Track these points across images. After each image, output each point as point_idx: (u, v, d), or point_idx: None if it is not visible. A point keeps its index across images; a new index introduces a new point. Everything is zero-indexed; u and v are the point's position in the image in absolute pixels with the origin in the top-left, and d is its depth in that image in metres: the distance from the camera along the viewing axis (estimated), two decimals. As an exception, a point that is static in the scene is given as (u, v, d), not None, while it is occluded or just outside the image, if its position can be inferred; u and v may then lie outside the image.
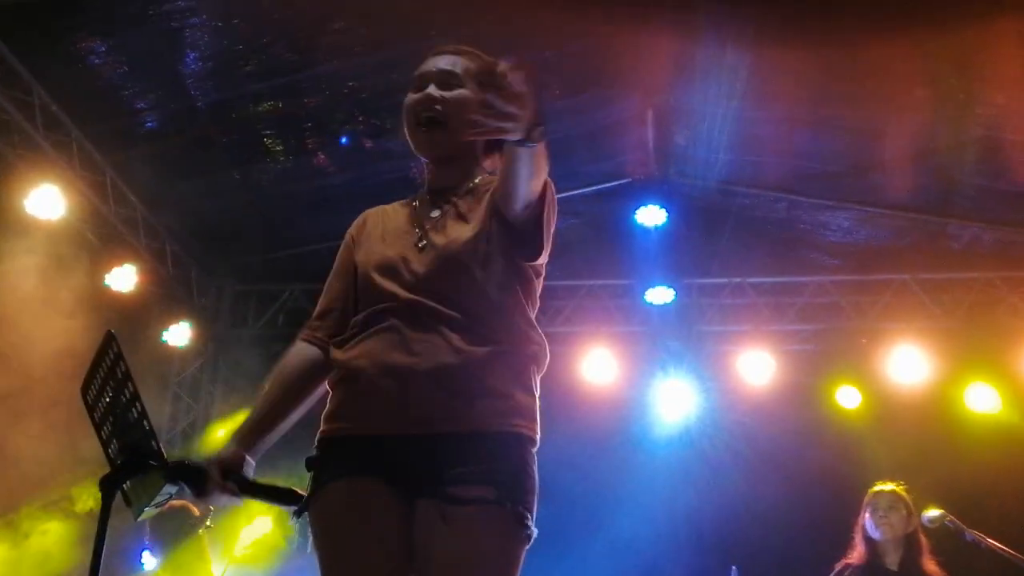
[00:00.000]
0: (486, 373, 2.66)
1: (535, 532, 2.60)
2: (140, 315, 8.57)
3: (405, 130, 3.04)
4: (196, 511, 6.70)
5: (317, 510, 2.68)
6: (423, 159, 3.06)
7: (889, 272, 9.34)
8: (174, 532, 6.54)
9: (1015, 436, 8.74)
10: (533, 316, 2.90)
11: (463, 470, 2.54)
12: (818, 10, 6.60)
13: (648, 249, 8.88)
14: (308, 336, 3.02)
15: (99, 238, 8.23)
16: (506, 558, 2.55)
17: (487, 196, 2.88)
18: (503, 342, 2.73)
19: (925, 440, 8.46)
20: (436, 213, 2.92)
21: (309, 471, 2.77)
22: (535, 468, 2.68)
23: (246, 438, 2.93)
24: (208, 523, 6.42)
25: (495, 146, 3.05)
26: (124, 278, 8.30)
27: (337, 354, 2.84)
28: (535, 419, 2.74)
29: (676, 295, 9.38)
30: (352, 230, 3.10)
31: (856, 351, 9.25)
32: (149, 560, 7.58)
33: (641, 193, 8.83)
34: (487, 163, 3.09)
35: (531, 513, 2.59)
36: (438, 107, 2.92)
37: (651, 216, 8.82)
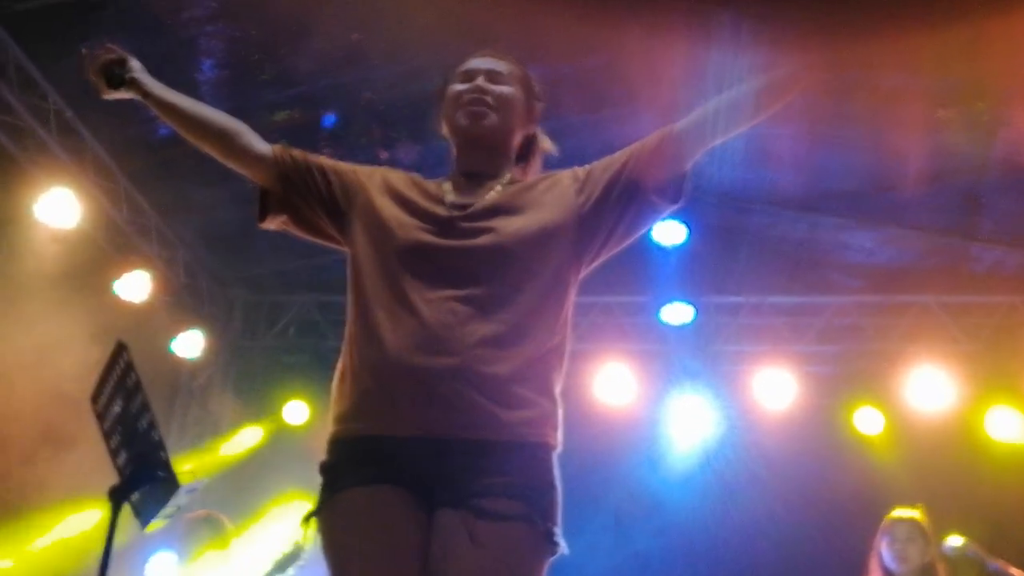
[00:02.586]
0: (521, 379, 2.60)
1: (564, 546, 2.53)
2: (151, 324, 8.54)
3: (443, 119, 3.04)
4: (224, 519, 6.70)
5: (330, 519, 2.59)
6: (456, 143, 3.02)
7: (911, 294, 9.26)
8: (202, 541, 6.53)
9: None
10: (567, 324, 2.82)
11: (492, 481, 2.48)
12: (835, 27, 6.54)
13: (665, 266, 8.81)
14: (277, 147, 3.10)
15: (111, 245, 8.22)
16: (533, 574, 2.50)
17: (554, 193, 2.85)
18: (539, 347, 2.66)
19: (946, 466, 8.35)
20: (474, 199, 2.86)
21: (322, 476, 2.67)
22: (558, 478, 2.62)
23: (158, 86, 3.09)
24: (291, 572, 6.39)
25: (528, 152, 3.11)
26: (136, 286, 8.27)
27: (357, 342, 2.73)
28: (558, 428, 2.68)
29: (695, 313, 9.31)
30: (362, 169, 3.04)
31: (877, 373, 9.15)
32: (153, 570, 7.54)
33: (661, 209, 8.78)
34: (516, 170, 3.06)
35: (558, 527, 2.54)
36: (488, 98, 2.94)
37: (669, 233, 8.75)
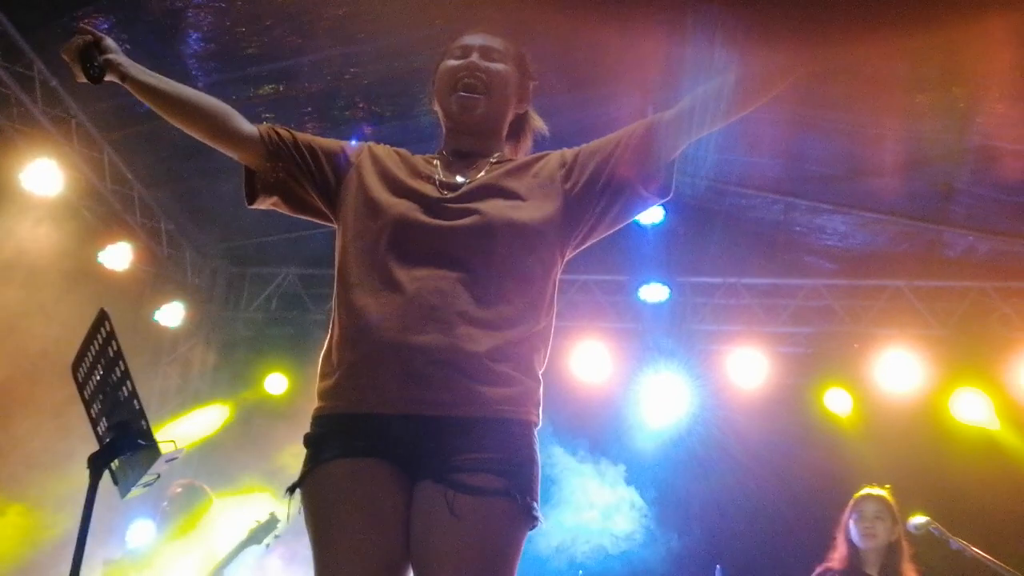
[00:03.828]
0: (504, 358, 2.63)
1: (542, 518, 2.59)
2: (133, 293, 8.57)
3: (435, 95, 3.04)
4: (205, 488, 6.73)
5: (314, 490, 2.62)
6: (446, 125, 3.03)
7: (883, 278, 9.35)
8: (183, 510, 6.57)
9: (1003, 446, 8.76)
10: (553, 305, 2.87)
11: (474, 457, 2.51)
12: (814, 12, 6.59)
13: (643, 246, 8.86)
14: (263, 127, 3.02)
15: (95, 215, 8.23)
16: (512, 548, 2.54)
17: (542, 177, 2.87)
18: (524, 327, 2.70)
19: (913, 447, 8.47)
20: (464, 175, 2.88)
21: (306, 448, 2.71)
22: (539, 454, 2.67)
23: (136, 68, 2.94)
24: (267, 541, 6.41)
25: (519, 130, 3.12)
26: (118, 256, 8.29)
27: (343, 317, 2.74)
28: (539, 404, 2.72)
29: (670, 293, 9.38)
30: (350, 146, 3.04)
31: (848, 355, 9.25)
32: (133, 537, 7.59)
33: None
34: (507, 148, 3.09)
35: (537, 501, 2.59)
36: (480, 75, 2.93)
37: (647, 213, 8.81)
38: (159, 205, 8.97)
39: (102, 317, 3.39)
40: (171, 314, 9.20)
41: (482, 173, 2.87)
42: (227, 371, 9.60)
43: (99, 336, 3.40)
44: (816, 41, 6.62)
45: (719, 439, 8.99)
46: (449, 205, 2.76)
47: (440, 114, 3.05)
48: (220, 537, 6.87)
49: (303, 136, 3.00)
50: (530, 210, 2.79)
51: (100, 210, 8.28)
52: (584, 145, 2.97)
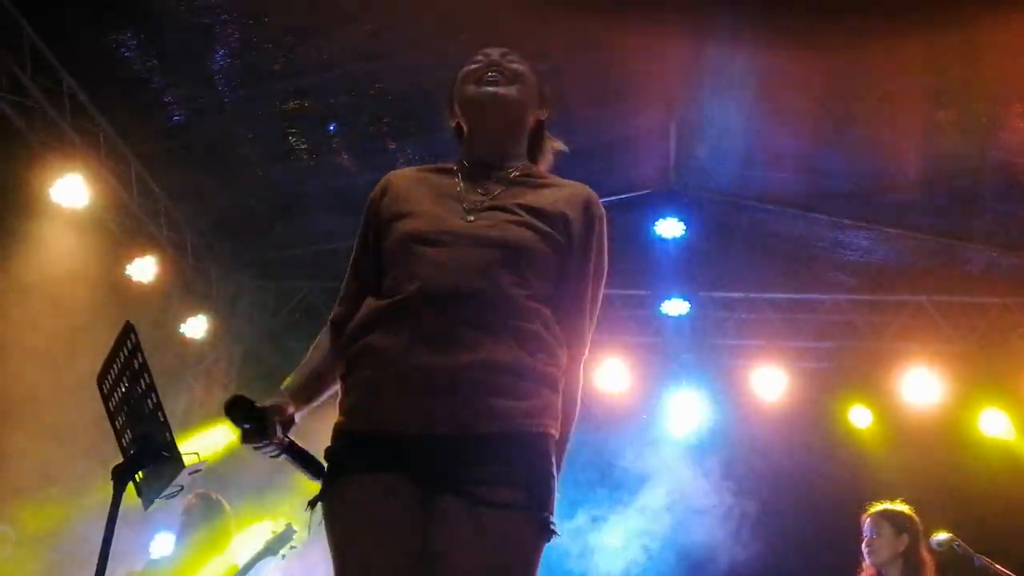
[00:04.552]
0: (522, 372, 2.62)
1: (558, 532, 2.58)
2: (158, 306, 8.62)
3: (454, 103, 3.00)
4: (220, 499, 6.76)
5: (335, 502, 2.62)
6: (467, 122, 2.99)
7: (905, 293, 9.34)
8: (201, 520, 6.59)
9: (1025, 461, 8.75)
10: None
11: (491, 470, 2.51)
12: (835, 28, 6.62)
13: (665, 261, 8.89)
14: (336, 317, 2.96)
15: (122, 228, 8.29)
16: (530, 562, 2.54)
17: (560, 202, 2.83)
18: (542, 343, 2.70)
19: (935, 462, 8.46)
20: (485, 190, 2.85)
21: (327, 462, 2.71)
22: (555, 467, 2.66)
23: (297, 397, 2.85)
24: (283, 552, 6.44)
25: (538, 142, 3.07)
26: (144, 269, 8.35)
27: (362, 333, 2.74)
28: (558, 417, 2.70)
29: (691, 307, 9.39)
30: (375, 195, 2.98)
31: (869, 370, 9.24)
32: (157, 548, 7.64)
33: (660, 205, 8.85)
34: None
35: (553, 515, 2.57)
36: (504, 70, 2.90)
37: (669, 228, 8.84)
38: (185, 218, 9.04)
39: (128, 330, 3.42)
40: (196, 327, 9.26)
41: (504, 187, 2.84)
42: (251, 384, 9.64)
43: (125, 348, 3.43)
44: (834, 49, 6.68)
45: (740, 453, 8.99)
46: (470, 222, 2.74)
47: (461, 114, 2.99)
48: (237, 548, 6.91)
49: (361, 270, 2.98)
50: (541, 223, 2.77)
51: (127, 223, 8.35)
52: (594, 224, 2.90)
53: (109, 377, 3.57)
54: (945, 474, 8.27)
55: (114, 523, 3.35)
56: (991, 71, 6.91)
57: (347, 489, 2.60)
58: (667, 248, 8.92)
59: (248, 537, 6.96)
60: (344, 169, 8.42)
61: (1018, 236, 8.44)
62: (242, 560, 6.44)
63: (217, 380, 9.73)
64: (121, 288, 8.06)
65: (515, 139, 2.97)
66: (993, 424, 8.90)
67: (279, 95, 7.67)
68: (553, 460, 2.64)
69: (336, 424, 2.72)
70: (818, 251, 9.20)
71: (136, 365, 3.39)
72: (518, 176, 2.88)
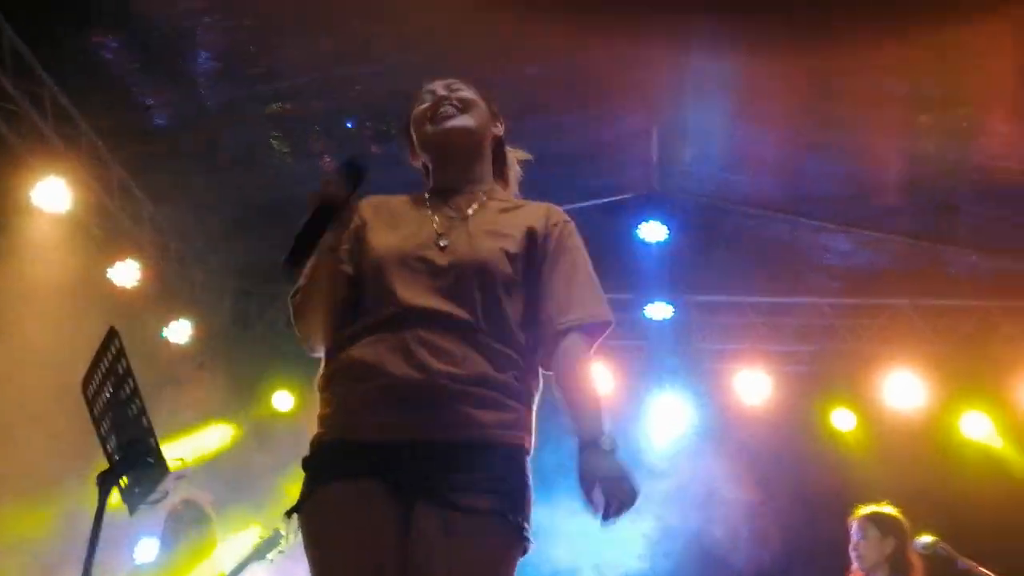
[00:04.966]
0: (498, 384, 2.70)
1: (533, 543, 2.64)
2: (141, 311, 8.56)
3: (413, 141, 3.09)
4: (204, 505, 6.73)
5: (312, 511, 2.67)
6: (429, 158, 3.08)
7: (887, 296, 9.39)
8: (186, 526, 6.57)
9: (1007, 464, 8.79)
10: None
11: (467, 477, 2.57)
12: (816, 32, 6.65)
13: (648, 264, 8.90)
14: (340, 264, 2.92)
15: (104, 232, 8.24)
16: (505, 568, 2.60)
17: (523, 223, 2.91)
18: (518, 355, 2.78)
19: (918, 465, 8.49)
20: (456, 214, 2.93)
21: (305, 471, 2.76)
22: (531, 479, 2.72)
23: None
24: (271, 557, 6.43)
25: (501, 159, 3.17)
26: (127, 273, 8.31)
27: (340, 351, 2.80)
28: (532, 432, 2.78)
29: (675, 311, 9.41)
30: (360, 212, 3.01)
31: (851, 373, 9.28)
32: (141, 554, 7.61)
33: (642, 208, 8.86)
34: (498, 184, 3.15)
35: (529, 524, 2.64)
36: (453, 102, 3.01)
37: (652, 232, 8.85)
38: (168, 222, 9.01)
39: (112, 335, 3.43)
40: (178, 331, 9.22)
41: (472, 209, 2.93)
42: (235, 388, 9.62)
43: (109, 354, 3.44)
44: (815, 53, 6.71)
45: (723, 457, 9.00)
46: (442, 247, 2.82)
47: (421, 151, 3.10)
48: (225, 554, 6.89)
49: (343, 249, 2.94)
50: (506, 243, 2.85)
51: (109, 227, 8.30)
52: (556, 231, 2.97)
53: (93, 382, 3.58)
54: (928, 477, 8.29)
55: (99, 529, 3.36)
56: (971, 75, 6.96)
57: (324, 498, 2.65)
58: (650, 252, 8.92)
59: (236, 543, 6.95)
60: (327, 173, 8.40)
61: (999, 239, 8.49)
62: (229, 566, 6.43)
63: (201, 385, 9.69)
64: (104, 292, 8.02)
65: (479, 163, 3.07)
66: (975, 427, 8.96)
67: (261, 98, 7.67)
68: (527, 472, 2.72)
69: (313, 437, 2.79)
70: (800, 255, 9.24)
71: (120, 370, 3.40)
72: (485, 200, 2.98)
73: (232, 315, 10.11)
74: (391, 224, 2.94)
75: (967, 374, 8.93)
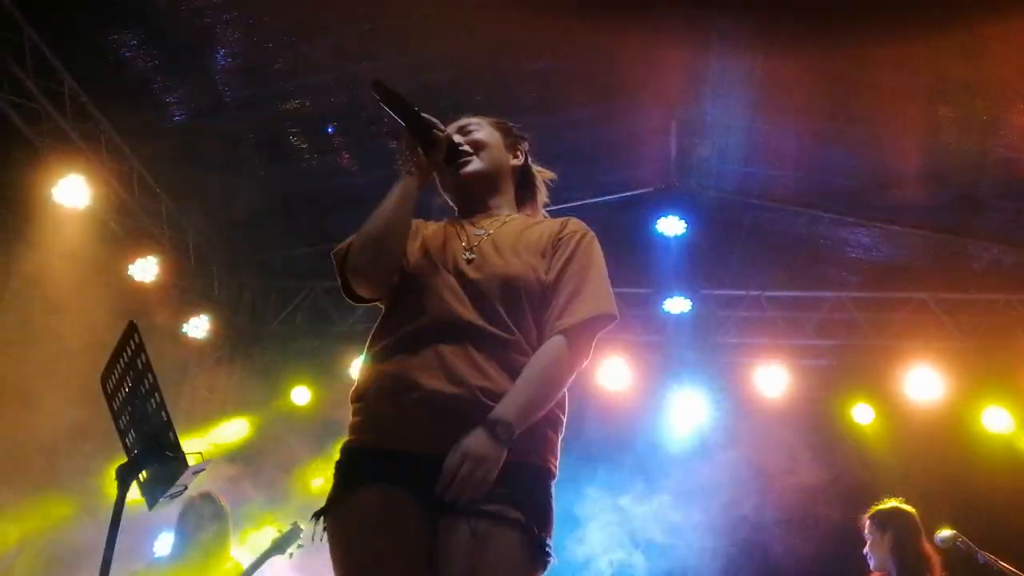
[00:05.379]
0: None
1: (554, 559, 2.71)
2: (160, 307, 8.61)
3: (439, 185, 3.24)
4: (224, 502, 6.75)
5: (341, 515, 2.73)
6: (454, 198, 3.25)
7: (908, 291, 9.35)
8: (202, 520, 6.58)
9: (1028, 458, 8.76)
10: None
11: (496, 492, 2.63)
12: (836, 27, 6.62)
13: (667, 259, 8.88)
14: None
15: (123, 229, 8.29)
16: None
17: (543, 238, 3.03)
18: None
19: (939, 459, 8.47)
20: (482, 231, 3.06)
21: (335, 475, 2.82)
22: (554, 499, 2.80)
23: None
24: (291, 551, 6.47)
25: (527, 184, 3.33)
26: (147, 269, 8.36)
27: (375, 363, 2.89)
28: (557, 455, 2.86)
29: (693, 305, 9.39)
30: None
31: (872, 367, 9.24)
32: (160, 547, 7.64)
33: (661, 203, 8.84)
34: (526, 207, 3.31)
35: (551, 539, 2.71)
36: (466, 147, 3.15)
37: (671, 226, 8.84)
38: (187, 218, 9.04)
39: (132, 329, 3.43)
40: (197, 327, 9.27)
41: (493, 231, 3.05)
42: (253, 383, 9.66)
43: (128, 348, 3.44)
44: (835, 48, 6.68)
45: (742, 451, 8.98)
46: (469, 262, 2.94)
47: (448, 195, 3.28)
48: (242, 547, 6.91)
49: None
50: (530, 264, 2.96)
51: (129, 224, 8.35)
52: (567, 240, 3.06)
53: (112, 377, 3.58)
54: (948, 471, 8.27)
55: (118, 522, 3.37)
56: (991, 68, 6.91)
57: (352, 502, 2.72)
58: (669, 246, 8.91)
59: (254, 537, 6.97)
60: (344, 169, 8.42)
61: (1021, 233, 8.44)
62: (247, 559, 6.45)
63: (220, 379, 9.74)
64: (124, 288, 8.07)
65: (498, 196, 3.22)
66: (996, 420, 8.91)
67: (280, 95, 7.68)
68: (551, 492, 2.80)
69: (344, 443, 2.86)
70: (820, 249, 9.20)
71: (140, 365, 3.41)
72: (508, 220, 3.12)
73: (251, 311, 10.13)
74: (422, 243, 3.05)
75: (988, 367, 8.88)
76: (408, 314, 2.88)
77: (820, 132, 7.78)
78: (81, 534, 6.83)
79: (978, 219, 8.42)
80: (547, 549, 2.68)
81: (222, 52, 7.23)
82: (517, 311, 2.86)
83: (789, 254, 9.26)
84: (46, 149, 7.33)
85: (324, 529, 2.74)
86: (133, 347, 3.42)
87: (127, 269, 8.28)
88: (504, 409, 2.68)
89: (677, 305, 9.37)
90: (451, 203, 3.28)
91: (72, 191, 7.36)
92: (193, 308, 9.28)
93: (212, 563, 6.48)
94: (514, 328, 2.84)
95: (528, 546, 2.63)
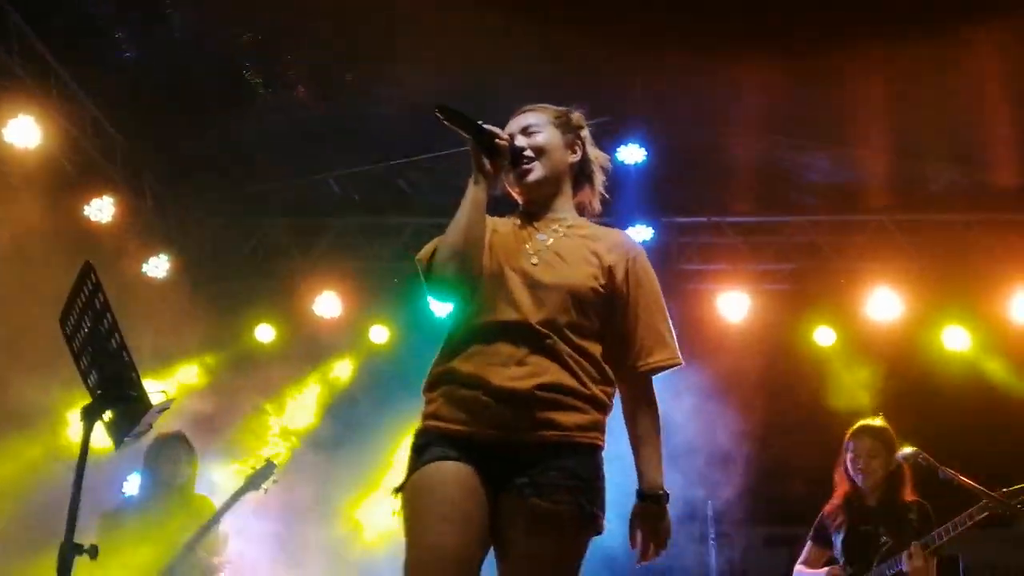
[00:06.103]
0: (578, 395, 3.10)
1: (606, 527, 3.11)
2: (118, 247, 8.49)
3: (505, 184, 3.46)
4: (189, 441, 6.75)
5: (413, 486, 3.07)
6: (517, 199, 3.49)
7: (867, 213, 9.41)
8: (168, 459, 6.59)
9: (986, 375, 8.89)
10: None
11: (551, 470, 3.00)
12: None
13: (627, 187, 8.84)
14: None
15: (77, 168, 8.16)
16: (578, 551, 3.06)
17: (604, 252, 3.29)
18: (594, 368, 3.18)
19: (898, 378, 8.59)
20: (545, 237, 3.33)
21: (410, 454, 3.16)
22: (604, 472, 3.15)
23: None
24: (265, 487, 6.50)
25: (585, 174, 3.55)
26: (102, 209, 8.25)
27: (446, 360, 3.20)
28: (604, 432, 3.19)
29: (654, 233, 9.39)
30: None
31: (833, 290, 9.32)
32: (130, 488, 7.64)
33: (621, 131, 8.79)
34: (584, 193, 3.56)
35: (603, 512, 3.10)
36: (528, 152, 3.37)
37: (630, 154, 8.80)
38: (141, 157, 8.92)
39: (87, 269, 3.41)
40: (157, 266, 9.18)
41: (558, 237, 3.33)
42: (216, 321, 9.59)
43: (85, 289, 3.42)
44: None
45: (707, 377, 9.04)
46: (535, 265, 3.24)
47: (513, 193, 3.49)
48: (212, 485, 6.92)
49: None
50: (592, 269, 3.25)
51: (82, 163, 8.21)
52: (633, 266, 3.33)
53: (71, 318, 3.56)
54: (909, 390, 8.39)
55: (84, 461, 3.37)
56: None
57: (424, 475, 3.06)
58: (629, 174, 8.87)
59: (223, 474, 6.98)
60: (301, 103, 8.33)
61: (976, 154, 8.49)
62: (223, 497, 6.49)
63: (181, 319, 9.66)
64: (80, 229, 7.96)
65: (560, 194, 3.47)
66: (955, 340, 9.04)
67: (232, 28, 7.55)
68: (601, 466, 3.15)
69: (419, 428, 3.21)
70: (780, 173, 9.21)
71: (98, 305, 3.39)
72: (569, 228, 3.38)
73: (211, 249, 10.04)
74: (493, 245, 3.30)
75: (947, 289, 8.98)
76: (478, 313, 3.19)
77: (780, 63, 7.74)
78: (50, 476, 6.82)
79: (936, 141, 8.45)
80: (599, 522, 3.07)
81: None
82: (574, 315, 3.16)
83: (749, 179, 9.26)
84: (-4, 89, 7.18)
85: (401, 506, 3.08)
86: (90, 287, 3.40)
87: (82, 209, 8.17)
88: (654, 479, 3.19)
89: (639, 234, 9.35)
90: (516, 198, 3.49)
91: (23, 131, 7.21)
92: (151, 248, 9.18)
93: (183, 503, 6.51)
94: (570, 331, 3.13)
95: (582, 519, 3.01)
